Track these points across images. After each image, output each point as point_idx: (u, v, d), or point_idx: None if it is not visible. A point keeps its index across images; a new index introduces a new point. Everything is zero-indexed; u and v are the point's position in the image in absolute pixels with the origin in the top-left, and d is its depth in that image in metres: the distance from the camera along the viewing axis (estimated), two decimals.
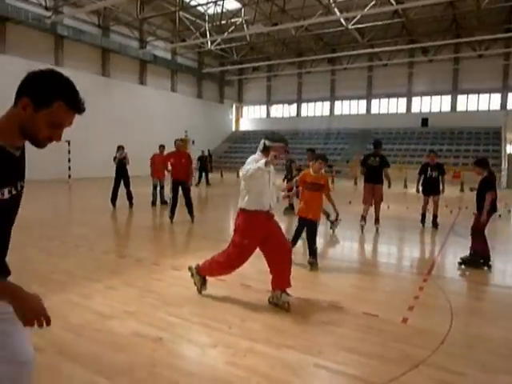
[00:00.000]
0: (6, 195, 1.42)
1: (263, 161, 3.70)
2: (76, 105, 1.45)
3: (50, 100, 1.40)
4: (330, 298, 4.30)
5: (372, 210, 8.34)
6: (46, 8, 21.08)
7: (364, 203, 8.40)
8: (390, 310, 4.02)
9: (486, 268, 5.65)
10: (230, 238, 4.09)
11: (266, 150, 3.88)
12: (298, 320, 3.70)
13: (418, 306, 4.20)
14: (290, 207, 10.31)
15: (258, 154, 3.96)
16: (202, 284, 4.27)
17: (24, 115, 1.39)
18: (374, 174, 8.25)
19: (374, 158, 8.32)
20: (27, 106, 1.39)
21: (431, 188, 8.88)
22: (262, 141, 3.99)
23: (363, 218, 8.28)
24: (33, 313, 1.41)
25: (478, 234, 5.68)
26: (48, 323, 1.46)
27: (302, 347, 3.16)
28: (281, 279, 4.03)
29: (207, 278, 4.28)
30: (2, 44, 19.71)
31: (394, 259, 6.78)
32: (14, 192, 1.47)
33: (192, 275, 4.34)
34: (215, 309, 3.92)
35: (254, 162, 3.81)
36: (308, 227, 5.55)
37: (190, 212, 8.90)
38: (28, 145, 1.53)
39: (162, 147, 11.50)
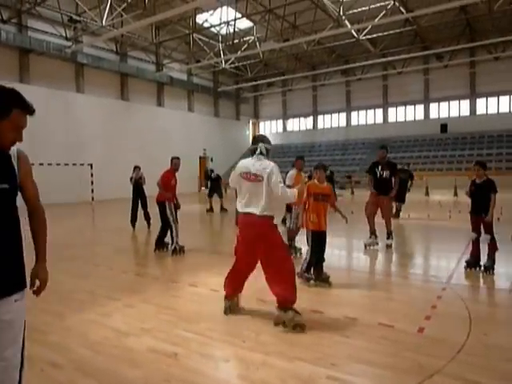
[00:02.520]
0: None
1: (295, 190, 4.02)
2: (29, 109, 1.78)
3: (8, 110, 1.72)
4: (344, 309, 4.28)
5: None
6: (67, 38, 22.01)
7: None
8: (406, 320, 3.97)
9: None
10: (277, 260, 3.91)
11: (268, 154, 4.11)
12: (312, 333, 3.70)
13: (435, 315, 4.13)
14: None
15: (265, 160, 3.99)
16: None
17: None
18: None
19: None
20: None
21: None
22: (262, 146, 4.01)
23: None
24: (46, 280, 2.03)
25: (493, 236, 5.69)
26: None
27: (315, 359, 3.17)
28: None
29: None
30: (26, 75, 20.64)
31: (411, 268, 6.66)
32: None
33: (291, 319, 3.80)
34: (230, 324, 3.97)
35: (279, 173, 3.94)
36: (323, 240, 5.50)
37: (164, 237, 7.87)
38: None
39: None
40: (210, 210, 15.05)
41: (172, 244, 7.46)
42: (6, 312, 1.84)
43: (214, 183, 15.04)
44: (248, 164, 3.98)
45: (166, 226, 7.66)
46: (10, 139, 1.76)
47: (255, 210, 3.87)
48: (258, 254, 3.94)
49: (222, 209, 14.79)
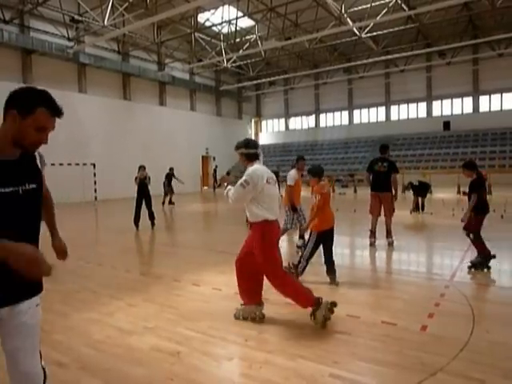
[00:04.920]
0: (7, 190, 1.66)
1: None
2: (55, 110, 1.71)
3: (32, 107, 1.65)
4: (347, 307, 4.27)
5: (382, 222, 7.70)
6: (69, 39, 22.06)
7: (370, 213, 7.70)
8: (409, 318, 3.97)
9: (485, 270, 5.69)
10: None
11: None
12: (315, 331, 3.71)
13: (438, 313, 4.13)
14: None
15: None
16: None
17: (14, 126, 1.65)
18: (381, 180, 7.55)
19: (382, 162, 7.55)
20: (15, 117, 1.64)
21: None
22: (261, 152, 4.04)
23: (372, 233, 7.57)
24: (24, 257, 1.49)
25: (476, 236, 5.75)
26: (49, 271, 1.55)
27: (318, 358, 3.17)
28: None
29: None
30: (28, 75, 20.69)
31: (414, 266, 6.67)
32: (20, 191, 1.70)
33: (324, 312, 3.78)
34: (233, 322, 3.97)
35: None
36: None
37: None
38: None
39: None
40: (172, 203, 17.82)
41: None
42: (32, 316, 1.85)
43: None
44: (264, 169, 3.94)
45: None
46: (33, 139, 1.69)
47: (278, 214, 3.99)
48: None
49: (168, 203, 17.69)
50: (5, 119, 1.67)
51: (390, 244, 7.60)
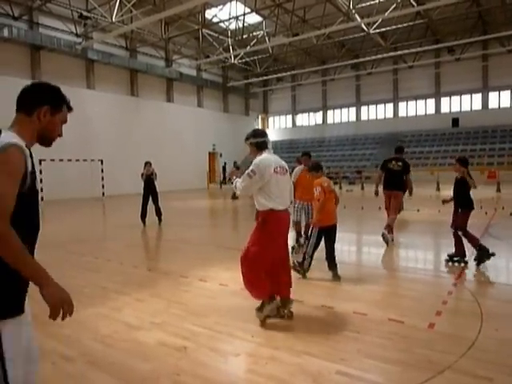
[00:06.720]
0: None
1: None
2: (70, 106, 1.86)
3: (61, 104, 1.79)
4: (354, 304, 4.26)
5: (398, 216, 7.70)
6: (77, 35, 22.16)
7: (386, 210, 7.81)
8: (417, 316, 3.94)
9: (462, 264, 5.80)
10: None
11: None
12: (321, 328, 3.70)
13: (446, 310, 4.10)
14: None
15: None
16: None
17: (44, 120, 1.73)
18: (393, 179, 7.57)
19: (396, 162, 7.59)
20: (46, 113, 1.72)
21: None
22: (269, 140, 3.99)
23: (390, 228, 7.42)
24: (61, 301, 1.56)
25: (464, 231, 5.81)
26: (71, 313, 1.61)
27: (325, 354, 3.16)
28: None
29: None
30: (37, 71, 20.83)
31: (421, 263, 6.63)
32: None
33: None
34: (239, 318, 3.97)
35: None
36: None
37: None
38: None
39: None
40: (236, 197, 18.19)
41: None
42: None
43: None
44: (273, 158, 3.90)
45: None
46: (58, 133, 1.83)
47: (287, 204, 3.96)
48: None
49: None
50: (31, 114, 1.70)
51: (383, 236, 7.33)
